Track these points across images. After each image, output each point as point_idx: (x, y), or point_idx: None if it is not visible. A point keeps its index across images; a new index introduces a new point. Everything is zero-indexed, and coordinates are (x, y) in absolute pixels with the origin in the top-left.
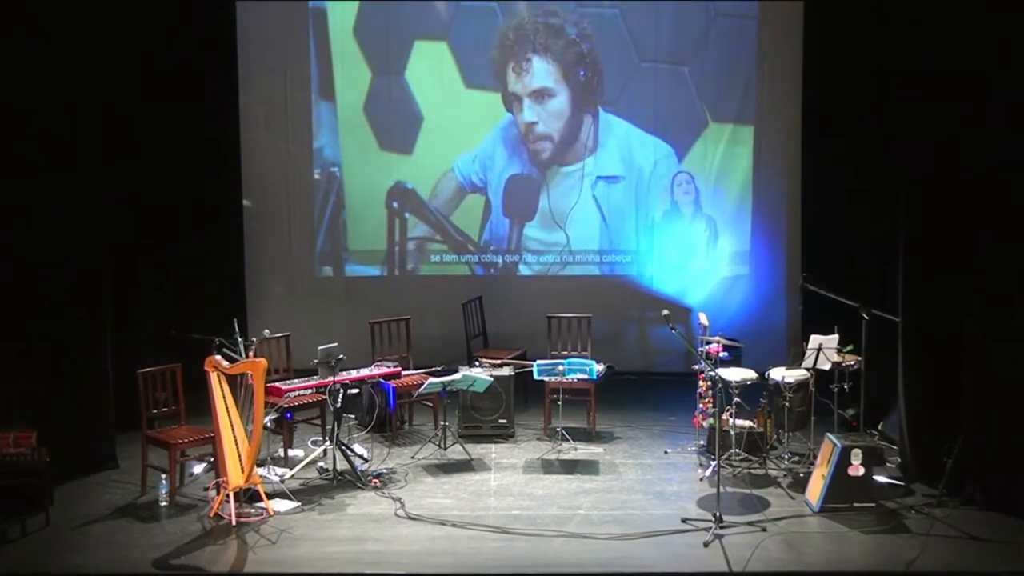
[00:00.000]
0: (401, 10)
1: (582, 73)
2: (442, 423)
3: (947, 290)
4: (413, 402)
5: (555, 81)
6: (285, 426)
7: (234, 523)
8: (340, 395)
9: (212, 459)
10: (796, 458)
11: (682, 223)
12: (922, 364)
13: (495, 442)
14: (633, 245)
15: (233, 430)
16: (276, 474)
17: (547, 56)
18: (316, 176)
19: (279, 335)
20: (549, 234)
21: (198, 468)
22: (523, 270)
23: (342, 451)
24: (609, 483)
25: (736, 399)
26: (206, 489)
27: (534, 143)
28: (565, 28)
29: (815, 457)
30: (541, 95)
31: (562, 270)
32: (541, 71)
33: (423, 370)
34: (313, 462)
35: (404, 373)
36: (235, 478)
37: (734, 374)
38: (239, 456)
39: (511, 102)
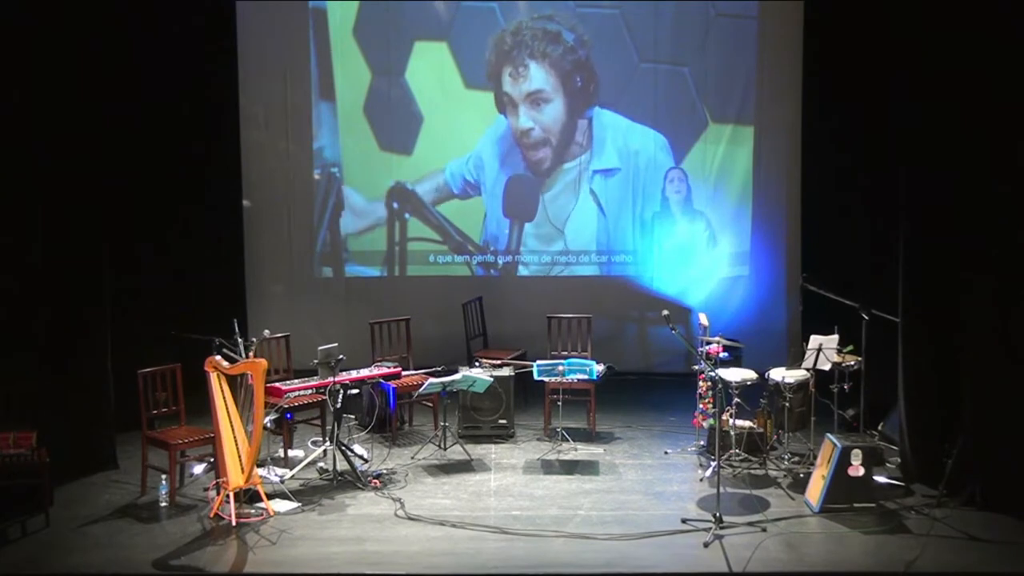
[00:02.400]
0: (401, 10)
1: (579, 80)
2: (442, 423)
3: (947, 290)
4: (413, 402)
5: (551, 87)
6: (285, 426)
7: (234, 523)
8: (340, 395)
9: (212, 459)
10: (796, 458)
11: (681, 223)
12: (922, 364)
13: (495, 442)
14: (632, 243)
15: (233, 430)
16: (276, 474)
17: (544, 63)
18: (316, 176)
19: (279, 335)
20: (548, 236)
21: (198, 468)
22: (523, 270)
23: (342, 451)
24: (609, 483)
25: (736, 399)
26: (206, 489)
27: (531, 150)
28: (563, 34)
29: (815, 457)
30: (536, 99)
31: (562, 271)
32: (538, 77)
33: (423, 370)
34: (313, 462)
35: (404, 373)
36: (235, 478)
37: (734, 374)
38: (239, 456)
39: (505, 104)
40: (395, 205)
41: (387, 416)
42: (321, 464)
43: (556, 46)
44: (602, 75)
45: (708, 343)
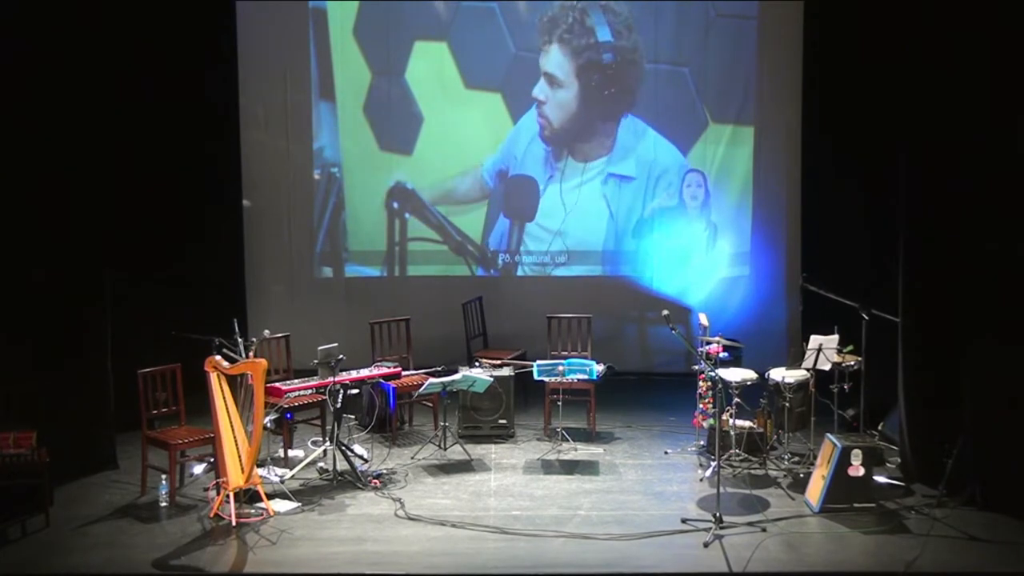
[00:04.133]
0: (401, 10)
1: (596, 78)
2: (442, 423)
3: (947, 290)
4: (413, 402)
5: (564, 74)
6: (285, 426)
7: (234, 523)
8: (340, 395)
9: (212, 459)
10: (796, 458)
11: (683, 223)
12: (922, 364)
13: (495, 442)
14: (633, 243)
15: (233, 430)
16: (276, 474)
17: (564, 49)
18: (316, 176)
19: (279, 335)
20: (550, 228)
21: (198, 468)
22: (523, 270)
23: (342, 451)
24: (609, 483)
25: (736, 399)
26: (206, 489)
27: (541, 117)
28: (596, 30)
29: (815, 457)
30: (551, 80)
31: (562, 270)
32: (555, 59)
33: (423, 370)
34: (313, 462)
35: (404, 373)
36: (235, 478)
37: (734, 374)
38: (239, 456)
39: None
40: (395, 205)
41: (387, 416)
42: (321, 464)
43: (582, 38)
44: (636, 83)
45: (708, 343)
